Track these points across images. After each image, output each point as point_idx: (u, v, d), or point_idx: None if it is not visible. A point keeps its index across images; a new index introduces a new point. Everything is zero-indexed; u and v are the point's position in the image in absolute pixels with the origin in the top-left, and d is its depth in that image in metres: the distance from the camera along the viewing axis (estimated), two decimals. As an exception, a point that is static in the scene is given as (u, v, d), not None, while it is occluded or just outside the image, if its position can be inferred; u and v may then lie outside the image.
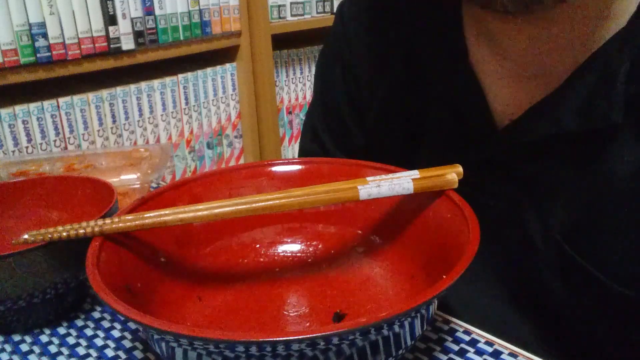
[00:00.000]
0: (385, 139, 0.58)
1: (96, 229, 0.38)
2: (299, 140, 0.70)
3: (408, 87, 0.54)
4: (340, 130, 0.62)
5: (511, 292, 0.49)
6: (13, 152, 1.06)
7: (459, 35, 0.49)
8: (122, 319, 0.46)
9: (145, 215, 0.40)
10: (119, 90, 1.17)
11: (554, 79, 0.44)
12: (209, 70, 1.32)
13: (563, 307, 0.46)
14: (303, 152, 0.67)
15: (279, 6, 1.42)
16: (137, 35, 1.16)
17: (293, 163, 0.50)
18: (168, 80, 1.25)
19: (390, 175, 0.43)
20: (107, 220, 0.39)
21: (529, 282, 0.47)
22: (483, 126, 0.48)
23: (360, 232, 0.49)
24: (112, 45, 1.12)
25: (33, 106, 1.07)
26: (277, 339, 0.28)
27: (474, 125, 0.49)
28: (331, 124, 0.63)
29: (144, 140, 1.24)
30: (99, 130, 1.16)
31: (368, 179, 0.42)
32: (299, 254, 0.49)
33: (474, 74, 0.48)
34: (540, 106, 0.45)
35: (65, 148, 1.12)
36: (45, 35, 1.03)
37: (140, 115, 1.23)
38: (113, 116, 1.18)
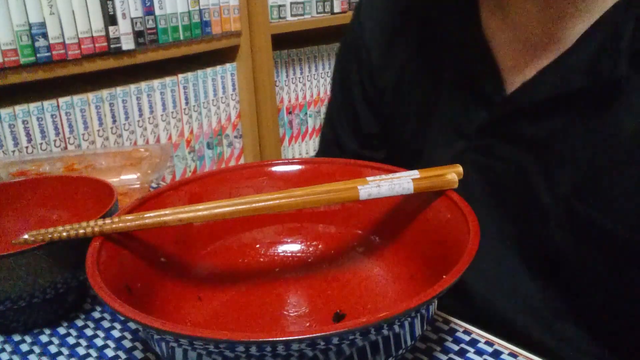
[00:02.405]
0: (398, 118, 0.60)
1: (96, 229, 0.38)
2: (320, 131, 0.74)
3: (423, 57, 0.57)
4: (354, 119, 0.65)
5: (521, 254, 0.50)
6: (13, 152, 1.06)
7: (473, 7, 0.52)
8: (122, 319, 0.46)
9: (145, 215, 0.40)
10: (119, 90, 1.17)
11: (563, 46, 0.46)
12: (209, 70, 1.32)
13: (573, 266, 0.47)
14: (322, 141, 0.71)
15: (279, 6, 1.42)
16: (137, 35, 1.16)
17: (293, 163, 0.50)
18: (168, 80, 1.25)
19: (390, 175, 0.43)
20: (107, 220, 0.39)
21: (539, 243, 0.48)
22: (494, 92, 0.50)
23: (360, 232, 0.49)
24: (112, 45, 1.12)
25: (33, 106, 1.07)
26: (277, 339, 0.28)
27: (485, 91, 0.51)
28: (347, 112, 0.66)
29: (144, 140, 1.24)
30: (99, 130, 1.16)
31: (368, 179, 0.42)
32: (299, 254, 0.49)
33: (486, 43, 0.51)
34: (549, 68, 0.47)
35: (65, 148, 1.12)
36: (45, 35, 1.03)
37: (140, 115, 1.22)
38: (113, 116, 1.18)
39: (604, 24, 0.44)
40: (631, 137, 0.43)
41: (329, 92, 1.62)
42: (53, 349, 0.43)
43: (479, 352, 0.40)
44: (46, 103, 1.08)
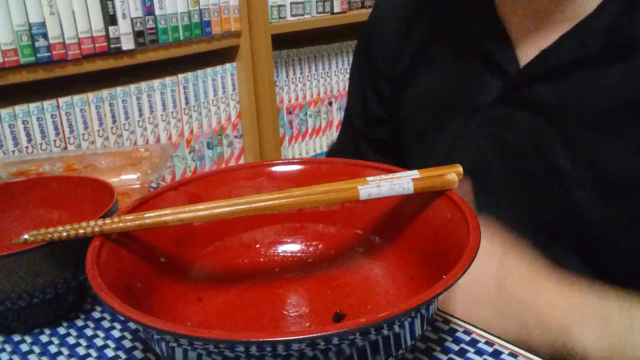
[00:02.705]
0: (412, 105, 0.62)
1: (96, 229, 0.38)
2: (340, 104, 0.83)
3: (438, 38, 0.59)
4: (365, 112, 0.69)
5: (541, 222, 0.51)
6: (13, 152, 1.06)
7: None
8: (122, 319, 0.46)
9: (145, 215, 0.40)
10: (119, 90, 1.17)
11: (576, 15, 0.49)
12: (209, 70, 1.32)
13: (597, 227, 0.47)
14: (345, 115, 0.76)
15: (279, 6, 1.42)
16: (137, 35, 1.16)
17: (293, 163, 0.50)
18: (168, 80, 1.25)
19: (390, 175, 0.43)
20: (107, 220, 0.39)
21: (560, 210, 0.49)
22: (509, 63, 0.52)
23: (360, 232, 0.49)
24: (112, 45, 1.12)
25: (33, 106, 1.07)
26: (277, 339, 0.28)
27: (501, 64, 0.53)
28: (359, 96, 0.70)
29: (144, 140, 1.24)
30: (99, 130, 1.16)
31: (368, 179, 0.42)
32: (299, 254, 0.49)
33: (499, 17, 0.54)
34: (568, 35, 0.49)
35: (65, 148, 1.12)
36: (45, 35, 1.03)
37: (140, 115, 1.22)
38: (113, 116, 1.18)
39: None
40: None
41: (328, 92, 1.62)
42: (53, 349, 0.43)
43: (479, 352, 0.40)
44: (46, 103, 1.08)
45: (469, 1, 0.56)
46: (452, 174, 0.43)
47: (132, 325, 0.45)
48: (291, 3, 1.44)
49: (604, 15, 0.47)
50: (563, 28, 0.49)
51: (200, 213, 0.40)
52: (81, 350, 0.43)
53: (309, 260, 0.49)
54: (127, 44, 1.14)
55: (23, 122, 1.06)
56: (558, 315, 0.43)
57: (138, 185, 0.62)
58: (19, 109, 1.05)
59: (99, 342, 0.43)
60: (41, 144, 1.09)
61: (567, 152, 0.49)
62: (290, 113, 1.55)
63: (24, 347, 0.43)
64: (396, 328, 0.33)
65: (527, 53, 0.52)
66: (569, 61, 0.48)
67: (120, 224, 0.39)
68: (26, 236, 0.38)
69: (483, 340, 0.41)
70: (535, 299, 0.44)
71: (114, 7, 1.11)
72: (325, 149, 1.65)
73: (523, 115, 0.51)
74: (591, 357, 0.41)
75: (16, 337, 0.45)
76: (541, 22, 0.51)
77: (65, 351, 0.43)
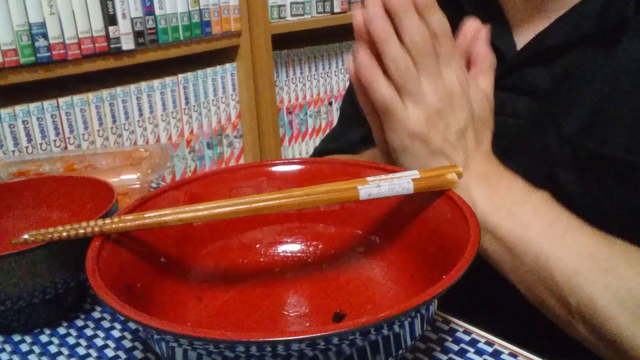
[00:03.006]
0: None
1: (96, 229, 0.38)
2: (339, 104, 0.80)
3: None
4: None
5: None
6: (13, 152, 1.06)
7: None
8: (122, 319, 0.46)
9: (145, 215, 0.40)
10: (119, 90, 1.17)
11: (571, 5, 0.50)
12: (209, 70, 1.32)
13: (580, 207, 0.48)
14: (341, 115, 0.77)
15: (279, 6, 1.42)
16: (137, 35, 1.16)
17: (293, 163, 0.50)
18: (168, 80, 1.25)
19: (390, 175, 0.43)
20: (107, 220, 0.39)
21: (549, 189, 0.49)
22: (507, 47, 0.54)
23: (360, 232, 0.49)
24: (112, 45, 1.12)
25: (33, 106, 1.07)
26: (277, 339, 0.28)
27: (499, 48, 0.54)
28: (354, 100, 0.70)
29: (144, 140, 1.24)
30: (99, 130, 1.16)
31: (368, 179, 0.42)
32: (299, 254, 0.49)
33: (500, 8, 0.56)
34: (562, 18, 0.51)
35: (65, 148, 1.12)
36: (45, 35, 1.03)
37: (140, 115, 1.22)
38: (113, 116, 1.18)
39: None
40: (636, 72, 0.46)
41: (328, 92, 1.62)
42: (53, 349, 0.43)
43: (479, 352, 0.40)
44: (46, 103, 1.08)
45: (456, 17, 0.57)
46: (452, 174, 0.43)
47: (132, 325, 0.45)
48: (291, 3, 1.44)
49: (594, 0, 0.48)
50: (559, 13, 0.51)
51: (200, 213, 0.40)
52: (81, 350, 0.43)
53: (309, 260, 0.49)
54: (127, 44, 1.14)
55: (23, 122, 1.06)
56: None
57: (138, 185, 0.62)
58: (19, 109, 1.05)
59: (99, 342, 0.44)
60: (41, 144, 1.09)
61: (556, 134, 0.50)
62: (290, 113, 1.55)
63: (24, 347, 0.43)
64: (396, 328, 0.33)
65: (524, 38, 0.53)
66: (563, 43, 0.50)
67: (120, 224, 0.39)
68: (26, 236, 0.38)
69: (483, 340, 0.41)
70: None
71: (114, 7, 1.11)
72: (325, 149, 1.65)
73: (519, 100, 0.53)
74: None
75: (16, 337, 0.45)
76: (539, 7, 0.52)
77: (65, 351, 0.43)
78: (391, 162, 0.49)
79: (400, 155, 0.47)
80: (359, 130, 0.71)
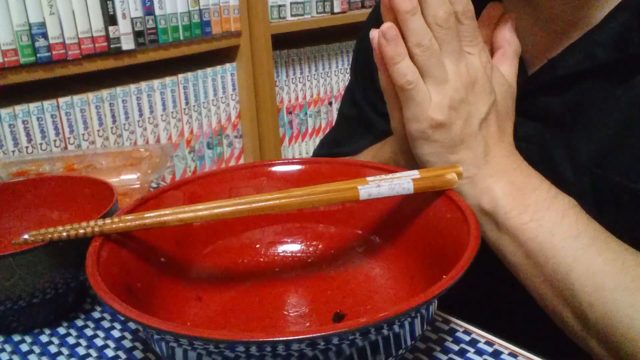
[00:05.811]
0: None
1: (96, 229, 0.38)
2: (339, 105, 0.78)
3: None
4: (374, 95, 0.67)
5: None
6: (13, 152, 1.06)
7: None
8: (122, 319, 0.46)
9: (145, 215, 0.40)
10: (119, 90, 1.17)
11: (587, 27, 0.48)
12: (209, 70, 1.32)
13: None
14: (342, 117, 0.74)
15: (279, 6, 1.42)
16: (137, 35, 1.16)
17: (293, 163, 0.50)
18: (168, 80, 1.25)
19: (390, 175, 0.43)
20: (107, 220, 0.39)
21: None
22: (517, 73, 0.50)
23: (360, 232, 0.49)
24: (112, 45, 1.12)
25: (33, 106, 1.07)
26: (277, 339, 0.28)
27: None
28: (367, 89, 0.68)
29: (144, 140, 1.24)
30: (99, 130, 1.16)
31: (368, 179, 0.42)
32: (299, 254, 0.49)
33: None
34: (575, 45, 0.48)
35: (65, 148, 1.12)
36: (45, 35, 1.03)
37: (140, 115, 1.22)
38: (113, 116, 1.18)
39: (628, 5, 0.45)
40: None
41: (328, 92, 1.62)
42: (53, 349, 0.43)
43: (479, 352, 0.40)
44: (46, 103, 1.08)
45: (477, 5, 0.55)
46: (452, 174, 0.43)
47: (132, 325, 0.45)
48: (291, 3, 1.44)
49: (612, 25, 0.46)
50: (571, 37, 0.49)
51: (200, 213, 0.40)
52: (81, 350, 0.43)
53: (309, 260, 0.49)
54: (127, 44, 1.14)
55: (23, 122, 1.06)
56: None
57: (138, 185, 0.62)
58: (19, 109, 1.05)
59: (99, 342, 0.44)
60: (41, 144, 1.09)
61: (570, 161, 0.48)
62: (290, 113, 1.55)
63: (24, 347, 0.43)
64: (396, 328, 0.33)
65: (534, 62, 0.51)
66: (576, 72, 0.47)
67: (120, 224, 0.39)
68: (26, 236, 0.38)
69: (483, 340, 0.41)
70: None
71: (114, 7, 1.11)
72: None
73: (530, 125, 0.51)
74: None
75: (16, 337, 0.45)
76: (552, 34, 0.50)
77: (65, 351, 0.43)
78: (405, 151, 0.48)
79: (418, 145, 0.45)
80: (366, 137, 0.70)
